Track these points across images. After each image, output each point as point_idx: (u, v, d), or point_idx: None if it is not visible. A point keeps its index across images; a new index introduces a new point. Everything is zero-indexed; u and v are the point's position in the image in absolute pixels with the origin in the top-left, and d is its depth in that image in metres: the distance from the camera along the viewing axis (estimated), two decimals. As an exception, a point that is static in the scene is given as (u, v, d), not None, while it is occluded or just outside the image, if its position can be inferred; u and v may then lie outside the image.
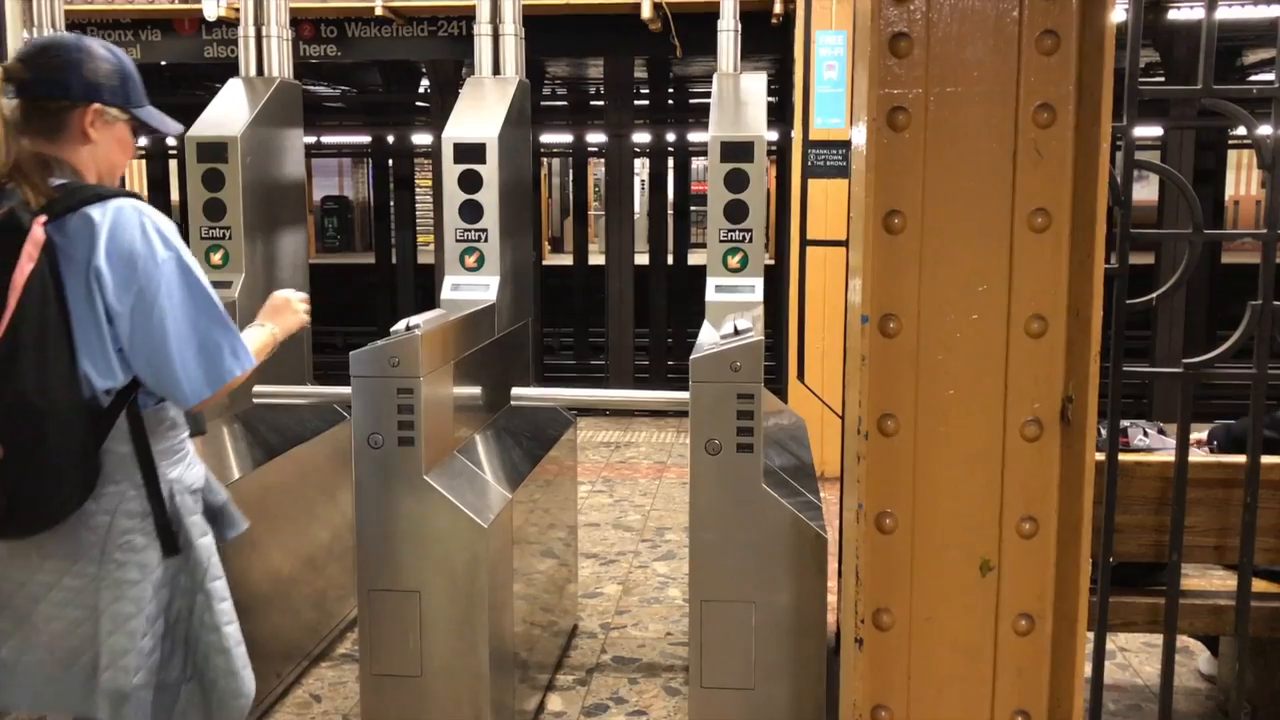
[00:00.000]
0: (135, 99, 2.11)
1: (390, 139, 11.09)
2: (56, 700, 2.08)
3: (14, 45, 3.95)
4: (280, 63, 3.76)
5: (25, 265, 1.86)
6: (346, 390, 2.92)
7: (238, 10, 3.87)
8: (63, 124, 2.02)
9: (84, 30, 7.41)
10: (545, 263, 12.47)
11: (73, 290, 1.93)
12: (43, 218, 1.91)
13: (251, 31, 3.75)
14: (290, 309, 2.42)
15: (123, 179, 2.26)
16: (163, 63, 7.74)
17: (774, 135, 8.39)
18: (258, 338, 2.27)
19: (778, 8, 6.74)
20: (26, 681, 2.07)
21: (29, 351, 1.86)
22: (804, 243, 4.15)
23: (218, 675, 2.14)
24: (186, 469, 2.14)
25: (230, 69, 3.84)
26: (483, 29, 3.68)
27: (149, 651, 2.03)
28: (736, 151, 3.28)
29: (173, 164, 11.33)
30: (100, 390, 1.99)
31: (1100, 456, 2.08)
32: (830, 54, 6.27)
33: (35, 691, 2.08)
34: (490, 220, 3.46)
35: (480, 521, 2.88)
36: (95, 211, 1.95)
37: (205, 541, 2.14)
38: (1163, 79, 8.71)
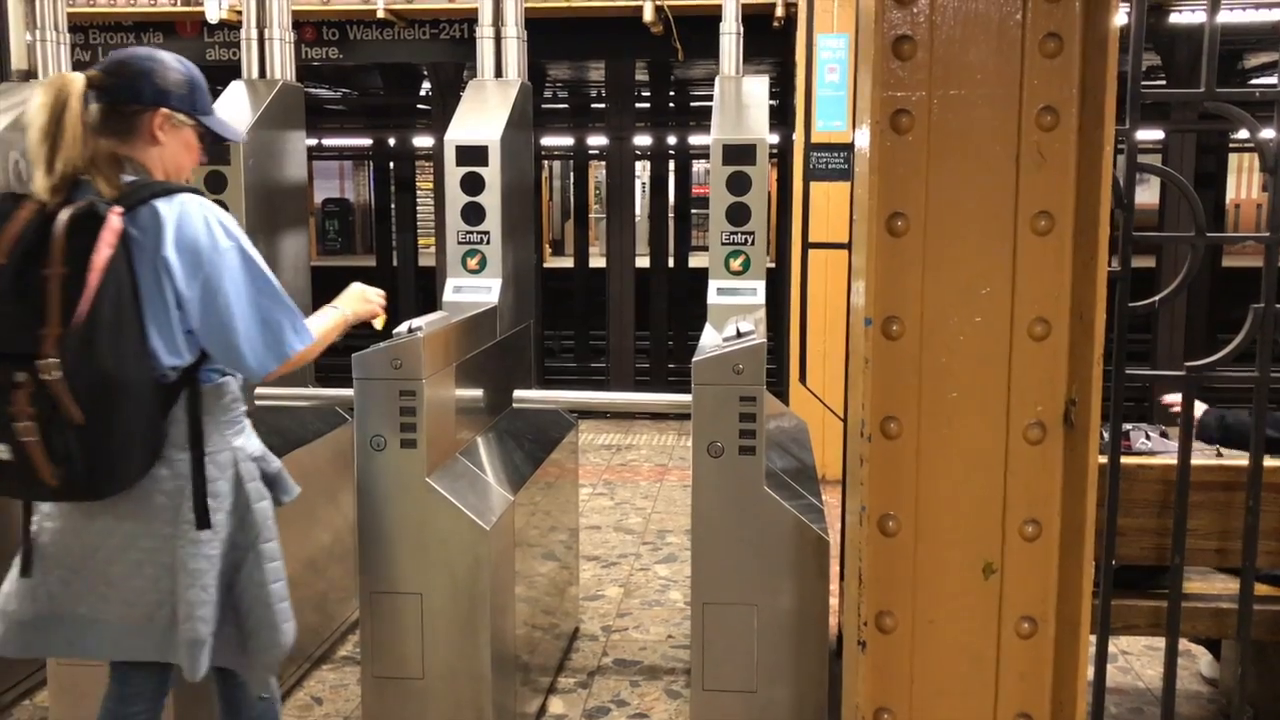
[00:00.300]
0: (201, 106, 2.30)
1: (391, 141, 11.08)
2: (135, 650, 2.26)
3: (17, 47, 3.95)
4: (282, 65, 3.76)
5: (104, 251, 2.03)
6: (349, 392, 2.92)
7: (240, 13, 3.87)
8: (135, 126, 2.21)
9: (86, 32, 7.42)
10: (546, 265, 12.47)
11: (143, 276, 2.11)
12: (119, 208, 2.08)
13: (254, 34, 3.75)
14: (364, 298, 2.61)
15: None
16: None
17: (775, 138, 8.39)
18: (329, 318, 2.47)
19: (779, 11, 6.75)
20: (106, 634, 2.24)
21: (106, 329, 2.03)
22: (806, 245, 4.14)
23: (259, 626, 2.32)
24: (247, 439, 2.34)
25: (232, 71, 3.84)
26: (485, 32, 3.68)
27: (216, 602, 2.23)
28: (738, 154, 3.29)
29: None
30: (167, 367, 2.17)
31: (1103, 459, 2.08)
32: (832, 57, 6.27)
33: (114, 642, 2.25)
34: (492, 222, 3.46)
35: (482, 524, 2.88)
36: (163, 205, 2.14)
37: (262, 505, 2.33)
38: (1165, 82, 8.71)
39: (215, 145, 2.55)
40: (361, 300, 2.60)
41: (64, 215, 2.04)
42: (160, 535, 2.20)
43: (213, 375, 2.25)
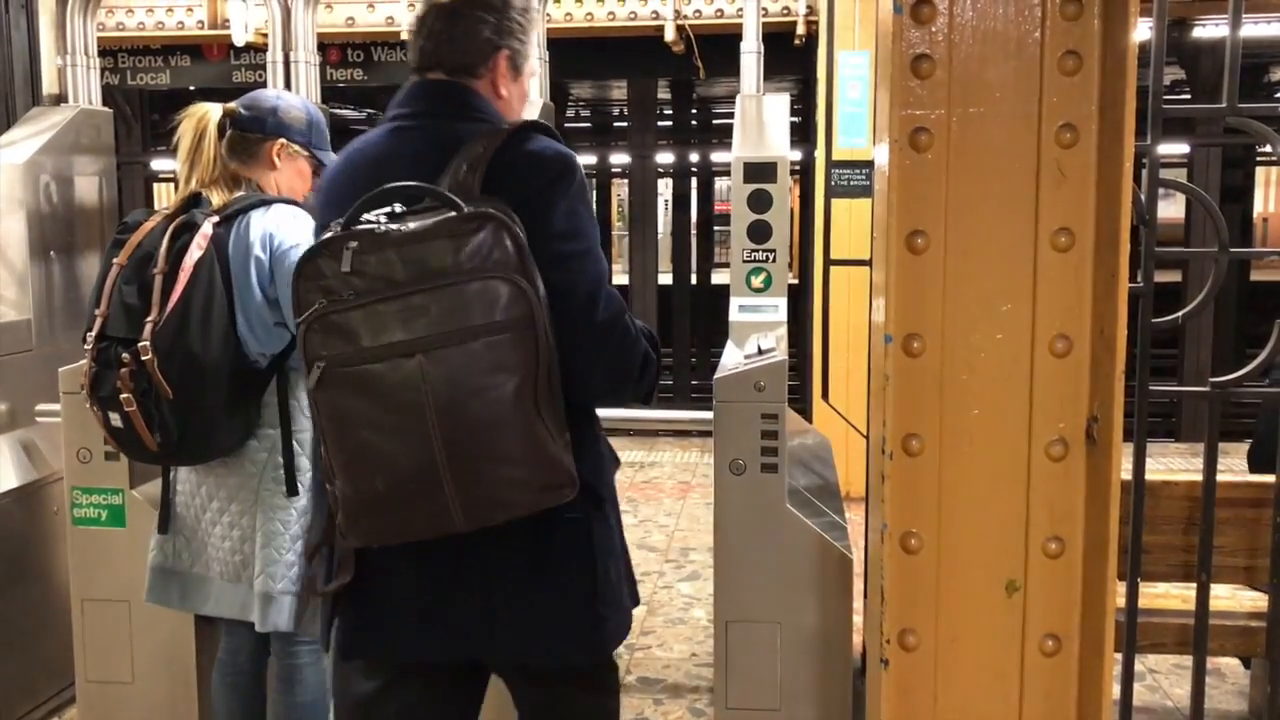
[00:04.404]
0: (317, 142, 2.68)
1: (416, 161, 11.15)
2: (230, 608, 2.61)
3: (48, 71, 4.02)
4: (308, 87, 3.80)
5: (194, 252, 2.42)
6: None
7: (266, 36, 3.92)
8: (257, 153, 2.60)
9: (115, 56, 7.52)
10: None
11: (237, 275, 2.46)
12: (215, 218, 2.47)
13: (279, 56, 3.79)
14: None
15: None
16: (191, 87, 7.85)
17: (797, 155, 8.41)
18: None
19: (800, 29, 6.77)
20: (210, 591, 2.63)
21: (195, 319, 2.40)
22: (828, 262, 4.15)
23: None
24: None
25: (259, 94, 3.89)
26: (507, 52, 3.71)
27: (291, 564, 2.52)
28: (760, 172, 3.30)
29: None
30: (256, 354, 2.50)
31: (1126, 476, 2.07)
32: (853, 74, 6.28)
33: (215, 599, 2.63)
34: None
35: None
36: (258, 214, 2.50)
37: None
38: (1189, 96, 8.67)
39: None
40: None
41: (171, 226, 2.45)
42: (246, 501, 2.56)
43: (302, 363, 2.42)
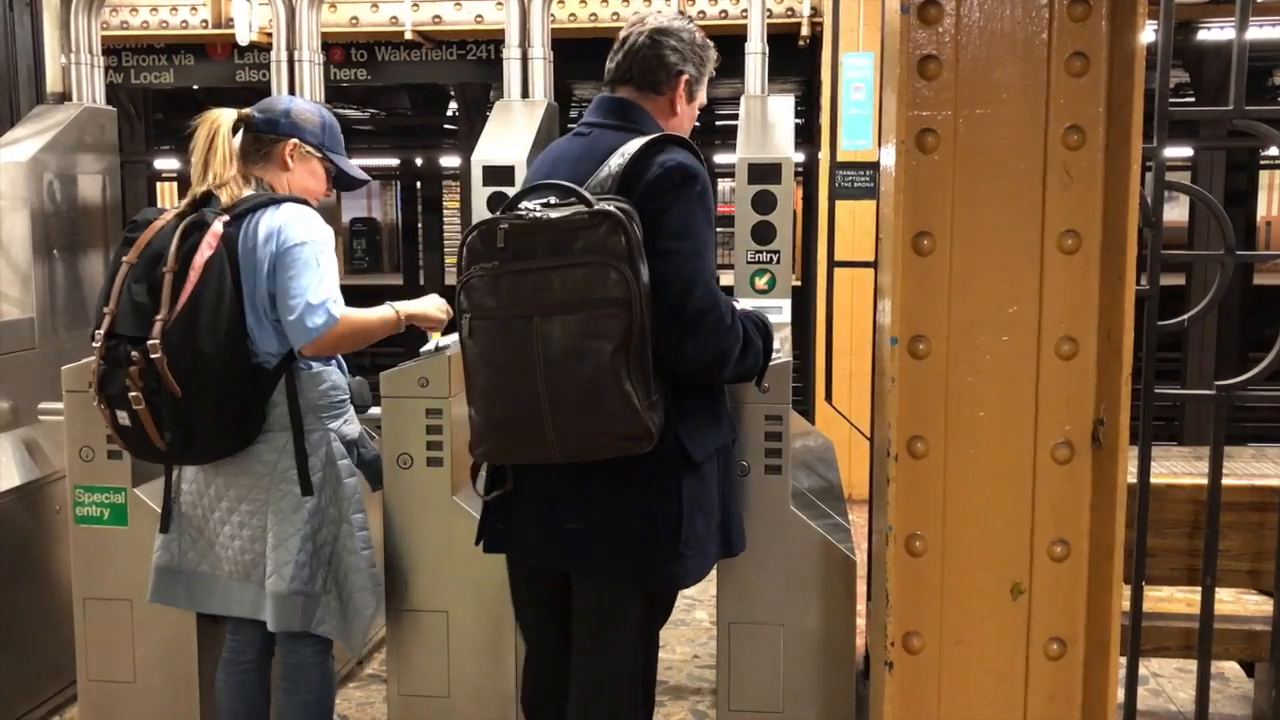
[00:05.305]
0: (330, 145, 2.71)
1: (418, 162, 11.17)
2: (240, 606, 2.65)
3: (52, 70, 4.02)
4: (311, 87, 3.79)
5: (205, 251, 2.43)
6: (376, 411, 2.93)
7: (270, 35, 3.92)
8: (271, 154, 2.64)
9: (119, 55, 7.52)
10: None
11: (245, 275, 2.48)
12: (225, 217, 2.48)
13: (284, 56, 3.79)
14: (430, 304, 2.86)
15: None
16: (195, 87, 7.84)
17: (801, 157, 8.40)
18: (377, 311, 2.70)
19: (805, 30, 6.76)
20: (219, 590, 2.66)
21: (205, 318, 2.41)
22: (831, 264, 4.15)
23: (354, 589, 2.68)
24: (345, 424, 2.67)
25: (262, 93, 3.88)
26: (511, 53, 3.71)
27: (302, 565, 2.56)
28: (763, 173, 3.29)
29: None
30: (265, 353, 2.52)
31: (1131, 479, 2.06)
32: (857, 76, 6.27)
33: (224, 598, 2.67)
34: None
35: (508, 542, 2.88)
36: (266, 212, 2.52)
37: (352, 482, 2.67)
38: (1193, 99, 8.66)
39: (345, 185, 2.84)
40: (426, 305, 2.83)
41: (181, 225, 2.47)
42: (257, 501, 2.57)
43: (310, 363, 2.59)
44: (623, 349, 1.98)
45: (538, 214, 2.04)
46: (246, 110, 2.64)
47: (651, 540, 2.18)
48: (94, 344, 2.50)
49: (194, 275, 2.42)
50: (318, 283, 2.51)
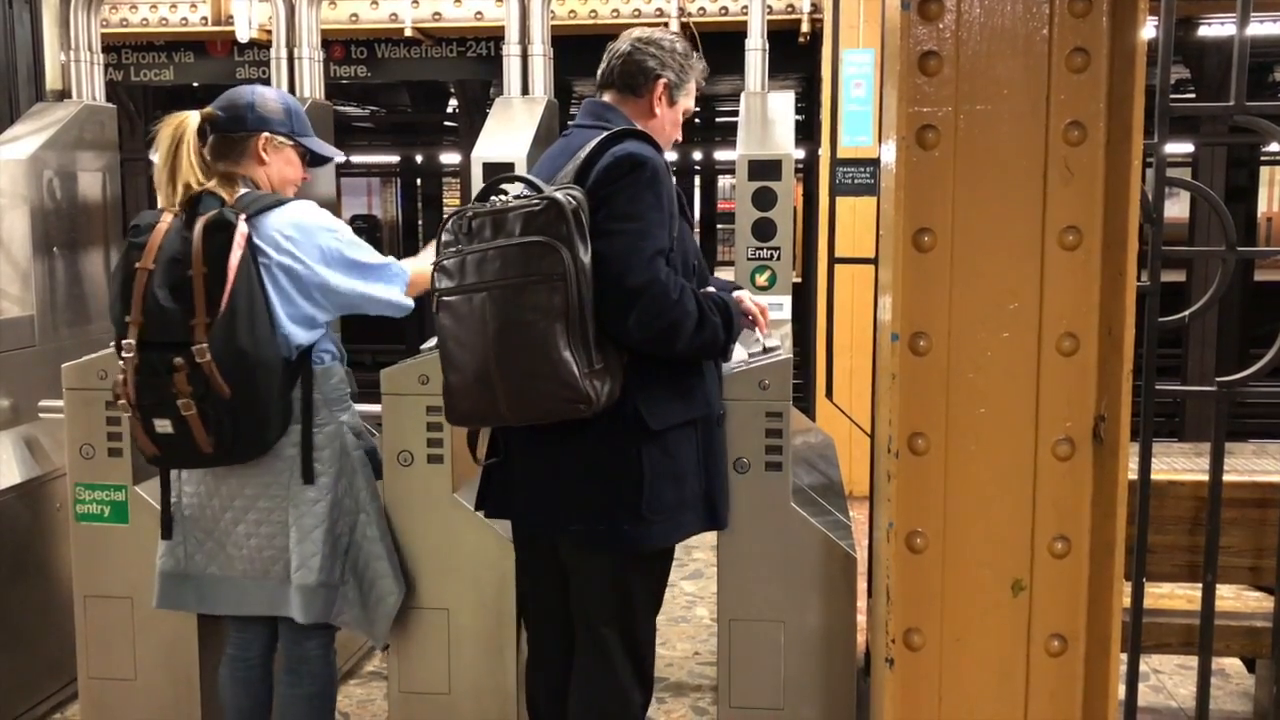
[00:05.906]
0: (299, 129, 2.70)
1: (419, 158, 11.16)
2: (256, 604, 2.65)
3: (51, 67, 4.01)
4: (311, 84, 3.79)
5: (237, 252, 2.43)
6: (376, 408, 2.93)
7: (270, 33, 3.91)
8: (244, 150, 2.62)
9: (119, 52, 7.51)
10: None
11: (265, 271, 2.50)
12: (244, 215, 2.47)
13: (283, 53, 3.79)
14: None
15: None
16: (195, 84, 7.84)
17: (801, 153, 8.39)
18: (418, 262, 2.76)
19: (805, 26, 6.75)
20: (231, 590, 2.65)
21: (243, 317, 2.43)
22: (832, 260, 4.14)
23: (375, 577, 2.73)
24: (351, 416, 2.71)
25: (263, 90, 3.88)
26: (511, 50, 3.70)
27: (327, 556, 2.59)
28: (764, 170, 3.29)
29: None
30: (294, 346, 2.56)
31: (1132, 475, 2.06)
32: (858, 72, 6.26)
33: (237, 598, 2.66)
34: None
35: (508, 539, 2.88)
36: (277, 213, 2.53)
37: (367, 472, 2.71)
38: (1194, 95, 8.65)
39: (318, 163, 2.85)
40: None
41: (199, 225, 2.43)
42: (276, 496, 2.59)
43: (323, 357, 2.63)
44: (561, 318, 2.15)
45: (500, 203, 2.25)
46: (209, 109, 2.61)
47: (615, 505, 2.33)
48: (122, 356, 2.46)
49: (231, 275, 2.41)
50: (368, 253, 2.63)
